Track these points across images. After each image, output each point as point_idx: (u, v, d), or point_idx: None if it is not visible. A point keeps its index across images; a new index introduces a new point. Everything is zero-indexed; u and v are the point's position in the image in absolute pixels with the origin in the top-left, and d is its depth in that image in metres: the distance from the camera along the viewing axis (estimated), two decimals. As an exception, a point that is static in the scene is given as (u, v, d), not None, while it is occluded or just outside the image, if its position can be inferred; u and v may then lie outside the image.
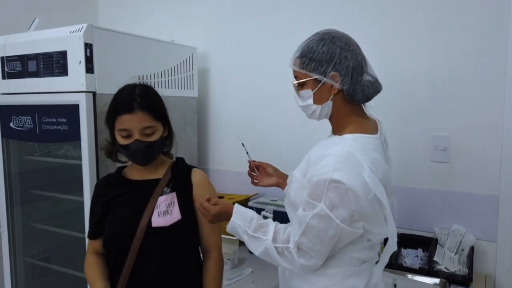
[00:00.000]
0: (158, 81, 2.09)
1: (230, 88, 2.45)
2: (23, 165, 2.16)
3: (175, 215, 1.24)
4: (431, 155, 1.89)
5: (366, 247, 1.13)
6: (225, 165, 2.49)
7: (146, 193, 1.26)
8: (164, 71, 2.13)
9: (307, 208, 1.06)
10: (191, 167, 1.37)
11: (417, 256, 1.83)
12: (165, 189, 1.27)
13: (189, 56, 2.32)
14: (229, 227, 1.16)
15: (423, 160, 1.90)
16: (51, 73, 1.80)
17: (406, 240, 1.88)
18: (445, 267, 1.70)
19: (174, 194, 1.26)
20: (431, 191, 1.89)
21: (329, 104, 1.14)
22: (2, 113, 2.03)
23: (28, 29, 2.04)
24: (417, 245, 1.86)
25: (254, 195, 2.28)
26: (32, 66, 1.86)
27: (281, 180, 1.44)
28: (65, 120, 1.80)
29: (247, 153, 1.49)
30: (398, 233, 1.86)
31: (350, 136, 1.10)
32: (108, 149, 1.32)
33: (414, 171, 1.92)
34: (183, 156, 2.30)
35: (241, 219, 1.15)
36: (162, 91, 2.10)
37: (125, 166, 1.37)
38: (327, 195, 1.01)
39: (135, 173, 1.32)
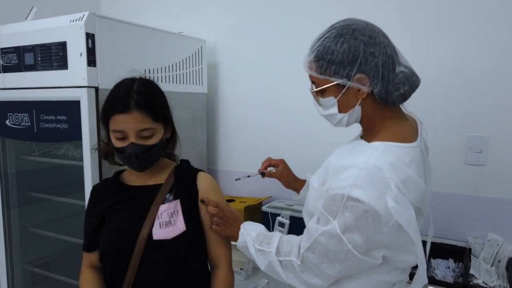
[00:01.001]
0: (164, 76, 1.94)
1: (242, 84, 2.29)
2: (20, 165, 2.02)
3: (179, 226, 1.09)
4: (465, 157, 1.73)
5: (395, 269, 0.99)
6: (236, 166, 2.34)
7: (146, 200, 1.12)
8: (172, 65, 1.98)
9: (321, 220, 0.93)
10: (197, 170, 1.22)
11: (449, 267, 1.68)
12: (168, 195, 1.12)
13: (198, 49, 2.16)
14: (239, 241, 1.11)
15: (456, 162, 1.75)
16: (49, 67, 1.65)
17: (436, 250, 1.72)
18: (483, 281, 1.55)
19: (177, 202, 1.12)
20: (464, 196, 1.74)
21: (357, 109, 0.98)
22: (-2, 110, 1.89)
23: (26, 18, 1.90)
24: (448, 255, 1.71)
25: (267, 198, 2.13)
26: (29, 58, 1.71)
27: (285, 174, 1.38)
28: (65, 118, 1.65)
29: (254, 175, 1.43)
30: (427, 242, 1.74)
31: (381, 145, 0.93)
32: (105, 150, 1.18)
33: (446, 175, 1.77)
34: (191, 156, 2.20)
35: (250, 232, 1.10)
36: (169, 87, 2.00)
37: (124, 170, 1.23)
38: (342, 213, 0.87)
39: (134, 178, 1.18)
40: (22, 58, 1.73)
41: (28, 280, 2.11)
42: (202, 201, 1.14)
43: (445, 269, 1.67)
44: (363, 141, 0.99)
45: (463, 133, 1.72)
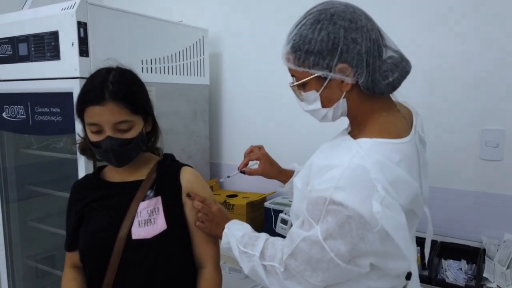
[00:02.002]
0: (164, 67, 1.87)
1: (246, 75, 2.20)
2: (19, 159, 1.99)
3: (159, 224, 1.03)
4: (480, 152, 1.62)
5: (386, 275, 0.90)
6: (240, 160, 2.23)
7: (126, 198, 1.06)
8: (171, 55, 1.91)
9: (305, 225, 0.86)
10: (181, 164, 1.16)
11: (461, 269, 1.58)
12: (149, 192, 1.07)
13: (200, 39, 2.08)
14: (223, 242, 1.06)
15: (470, 157, 1.63)
16: (42, 57, 1.60)
17: (447, 250, 1.62)
18: (498, 285, 1.44)
19: (158, 199, 1.06)
20: (479, 193, 1.63)
21: (342, 103, 0.89)
22: (-5, 102, 1.85)
23: (22, 8, 1.85)
24: (460, 256, 1.61)
25: (270, 194, 2.05)
26: (23, 49, 1.66)
27: (267, 169, 1.29)
28: (58, 110, 1.61)
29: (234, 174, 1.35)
30: (438, 242, 1.65)
31: (367, 142, 0.84)
32: (82, 144, 1.12)
33: (458, 170, 1.66)
34: (193, 150, 2.14)
35: (235, 232, 1.03)
36: (169, 78, 1.93)
37: (104, 166, 1.17)
38: (325, 218, 0.80)
39: (115, 174, 1.12)
40: (16, 49, 1.69)
41: (31, 273, 2.09)
42: (189, 195, 1.08)
43: (456, 271, 1.57)
44: (348, 137, 0.91)
45: (478, 126, 1.60)
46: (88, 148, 1.10)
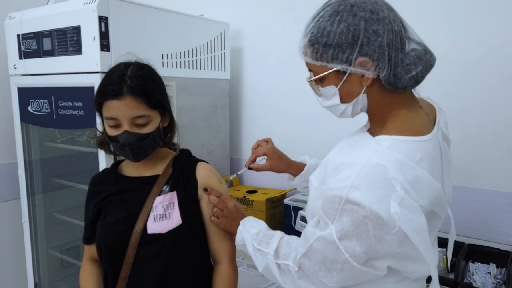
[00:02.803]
0: (184, 61, 1.86)
1: (267, 69, 2.17)
2: (44, 152, 2.04)
3: (175, 219, 1.03)
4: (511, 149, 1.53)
5: (405, 278, 0.86)
6: (260, 155, 2.24)
7: (142, 193, 1.06)
8: (192, 49, 1.90)
9: (320, 224, 0.83)
10: (197, 160, 1.15)
11: (489, 273, 1.51)
12: (164, 187, 1.06)
13: (221, 33, 2.06)
14: (237, 239, 1.04)
15: (500, 155, 1.55)
16: (65, 52, 1.61)
17: (475, 253, 1.56)
18: (529, 292, 1.37)
19: (174, 194, 1.06)
20: (509, 194, 1.54)
21: (362, 98, 0.85)
22: (21, 96, 1.90)
23: (47, 2, 1.88)
24: (489, 259, 1.54)
25: (291, 190, 2.02)
26: (47, 44, 1.69)
27: (275, 163, 1.25)
28: (80, 105, 1.62)
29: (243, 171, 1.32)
30: (465, 244, 1.58)
31: (387, 140, 0.80)
32: (100, 138, 1.12)
33: (488, 169, 1.58)
34: (213, 145, 2.13)
35: (250, 229, 1.01)
36: (189, 73, 1.92)
37: (122, 161, 1.17)
38: (340, 218, 0.77)
39: (132, 169, 1.12)
40: (41, 44, 1.72)
41: (56, 264, 2.15)
42: (205, 190, 1.08)
43: (485, 274, 1.50)
44: (367, 135, 0.87)
45: (510, 121, 1.52)
46: (106, 142, 1.11)
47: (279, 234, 0.98)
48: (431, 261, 0.78)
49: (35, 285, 2.10)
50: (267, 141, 1.31)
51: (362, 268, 0.78)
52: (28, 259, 2.08)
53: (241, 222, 1.05)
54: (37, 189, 2.05)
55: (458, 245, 1.56)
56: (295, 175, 1.26)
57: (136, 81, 0.98)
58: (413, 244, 0.74)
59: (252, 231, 1.01)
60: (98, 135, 1.13)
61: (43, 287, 2.14)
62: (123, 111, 0.97)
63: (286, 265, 0.89)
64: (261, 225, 1.04)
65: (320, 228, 0.82)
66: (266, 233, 0.99)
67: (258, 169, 1.26)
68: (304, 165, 1.26)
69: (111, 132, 1.00)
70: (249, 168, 1.27)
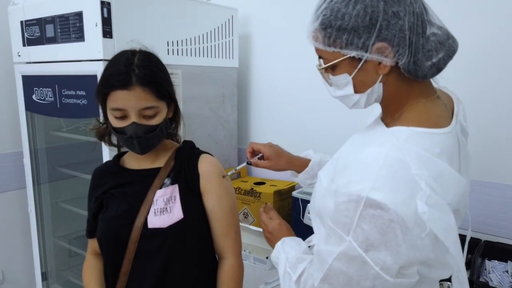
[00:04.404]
0: (190, 48, 1.80)
1: (277, 57, 2.10)
2: (49, 141, 2.02)
3: (176, 213, 0.99)
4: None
5: (420, 283, 0.78)
6: (268, 145, 2.19)
7: (143, 185, 1.02)
8: (198, 36, 1.84)
9: (332, 239, 0.73)
10: (200, 152, 1.10)
11: (507, 271, 1.44)
12: (166, 180, 1.02)
13: (229, 19, 1.99)
14: (273, 255, 0.96)
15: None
16: (68, 39, 1.57)
17: (492, 250, 1.49)
18: (549, 293, 1.31)
19: (175, 187, 1.01)
20: (530, 190, 1.47)
21: (378, 88, 0.78)
22: (25, 84, 1.87)
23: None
24: (506, 257, 1.47)
25: (300, 182, 1.97)
26: (49, 30, 1.65)
27: (274, 162, 1.16)
28: (84, 93, 1.58)
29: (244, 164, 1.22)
30: (481, 240, 1.51)
31: (404, 131, 0.73)
32: (100, 130, 1.07)
33: (506, 163, 1.50)
34: (220, 135, 2.08)
35: (288, 249, 0.92)
36: (195, 60, 1.86)
37: (124, 153, 1.13)
38: (359, 226, 0.67)
39: (133, 161, 1.09)
40: (44, 30, 1.68)
41: (63, 253, 2.15)
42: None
43: (502, 273, 1.43)
44: (382, 126, 0.79)
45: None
46: (106, 134, 1.07)
47: (309, 258, 0.87)
48: (461, 263, 0.71)
49: (43, 274, 2.11)
50: (265, 145, 1.20)
51: (395, 281, 0.68)
52: (35, 248, 2.08)
53: (282, 240, 0.96)
54: (43, 178, 2.04)
55: (474, 241, 1.49)
56: (298, 171, 1.19)
57: (144, 70, 0.93)
58: (445, 247, 0.67)
59: (290, 252, 0.91)
60: (98, 126, 1.08)
61: (51, 276, 2.14)
62: (132, 102, 0.92)
63: None
64: (301, 246, 0.93)
65: (334, 244, 0.72)
66: (299, 256, 0.89)
67: (257, 165, 1.19)
68: (308, 160, 1.18)
69: (117, 123, 0.96)
70: (248, 163, 1.20)
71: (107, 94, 0.94)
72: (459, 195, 0.73)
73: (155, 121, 0.97)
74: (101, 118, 1.06)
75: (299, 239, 0.98)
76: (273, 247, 0.99)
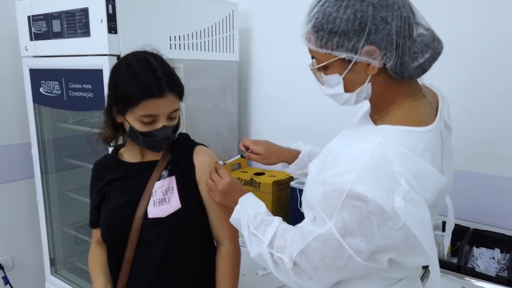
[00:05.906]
0: (192, 43, 1.86)
1: (277, 52, 2.15)
2: (56, 132, 2.08)
3: (174, 203, 1.05)
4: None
5: (400, 267, 0.86)
6: (268, 137, 2.19)
7: (142, 178, 1.08)
8: (200, 31, 1.89)
9: (317, 220, 0.81)
10: (195, 144, 1.16)
11: (493, 258, 1.51)
12: (163, 172, 1.08)
13: (230, 14, 2.04)
14: (233, 217, 1.01)
15: (508, 139, 1.53)
16: (74, 34, 1.63)
17: (480, 238, 1.56)
18: (532, 278, 1.37)
19: (172, 179, 1.07)
20: (517, 180, 1.53)
21: (367, 87, 0.84)
22: (33, 77, 1.93)
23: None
24: (493, 245, 1.54)
25: (298, 173, 2.03)
26: (56, 26, 1.70)
27: (266, 156, 1.21)
28: (90, 87, 1.64)
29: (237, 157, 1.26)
30: (470, 229, 1.57)
31: (391, 130, 0.79)
32: (106, 135, 1.12)
33: (496, 154, 1.56)
34: (221, 127, 2.14)
35: (248, 210, 0.97)
36: (197, 54, 1.91)
37: (121, 146, 1.18)
38: (340, 214, 0.74)
39: (131, 155, 1.14)
40: (50, 26, 1.73)
41: (70, 240, 2.22)
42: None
43: (488, 259, 1.50)
44: (371, 124, 0.85)
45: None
46: (114, 137, 1.12)
47: (277, 222, 0.94)
48: (433, 255, 0.77)
49: (51, 260, 2.19)
50: (254, 142, 1.25)
51: (365, 264, 0.77)
52: (43, 235, 2.16)
53: (240, 200, 1.01)
54: (50, 168, 2.10)
55: (463, 229, 1.56)
56: (289, 162, 1.24)
57: (170, 77, 1.00)
58: (417, 239, 0.74)
59: (250, 213, 0.97)
60: (102, 132, 1.12)
61: (59, 262, 2.22)
62: (164, 108, 0.99)
63: (280, 258, 0.86)
64: (261, 207, 0.99)
65: (317, 225, 0.79)
66: (265, 218, 0.95)
67: (249, 159, 1.25)
68: (299, 152, 1.24)
69: (145, 128, 1.00)
70: (242, 156, 1.25)
71: (138, 102, 0.97)
72: (437, 192, 0.78)
73: (176, 121, 1.05)
74: (101, 119, 1.11)
75: (255, 198, 1.03)
76: (226, 205, 1.04)
